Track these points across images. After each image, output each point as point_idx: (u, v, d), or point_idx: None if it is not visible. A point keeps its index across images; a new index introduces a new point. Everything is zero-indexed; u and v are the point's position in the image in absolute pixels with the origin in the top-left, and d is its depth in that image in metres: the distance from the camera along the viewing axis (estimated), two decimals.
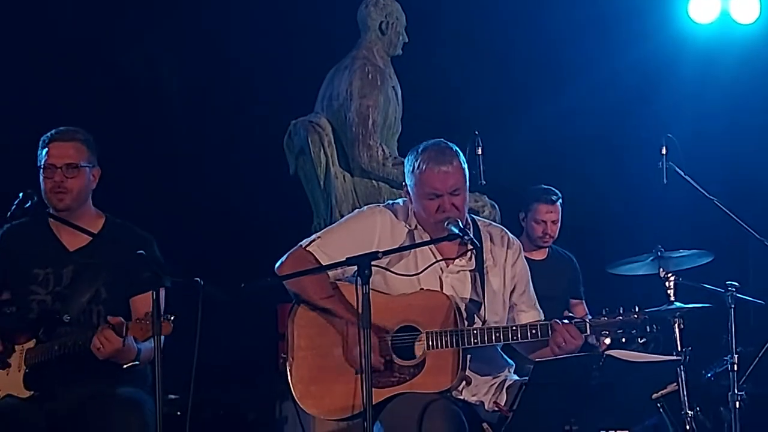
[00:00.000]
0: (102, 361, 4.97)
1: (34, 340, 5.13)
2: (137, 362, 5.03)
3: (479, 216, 6.01)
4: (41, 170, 5.22)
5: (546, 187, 7.40)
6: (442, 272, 5.11)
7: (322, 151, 7.91)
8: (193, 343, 4.80)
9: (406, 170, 5.16)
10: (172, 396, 6.59)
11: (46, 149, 5.22)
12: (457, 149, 5.14)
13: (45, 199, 5.22)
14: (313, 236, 5.22)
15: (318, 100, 8.10)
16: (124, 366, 5.00)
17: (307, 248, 5.13)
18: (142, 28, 8.70)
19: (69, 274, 5.23)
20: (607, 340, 5.43)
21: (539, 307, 5.28)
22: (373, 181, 7.98)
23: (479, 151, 7.18)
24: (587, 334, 5.00)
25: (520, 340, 4.99)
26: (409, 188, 5.14)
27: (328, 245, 5.11)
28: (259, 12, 8.79)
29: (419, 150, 5.11)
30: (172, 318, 4.86)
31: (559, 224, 7.35)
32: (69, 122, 5.39)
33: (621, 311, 4.98)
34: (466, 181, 5.11)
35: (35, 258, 5.25)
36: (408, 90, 8.23)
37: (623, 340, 5.31)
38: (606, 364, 4.61)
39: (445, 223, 4.98)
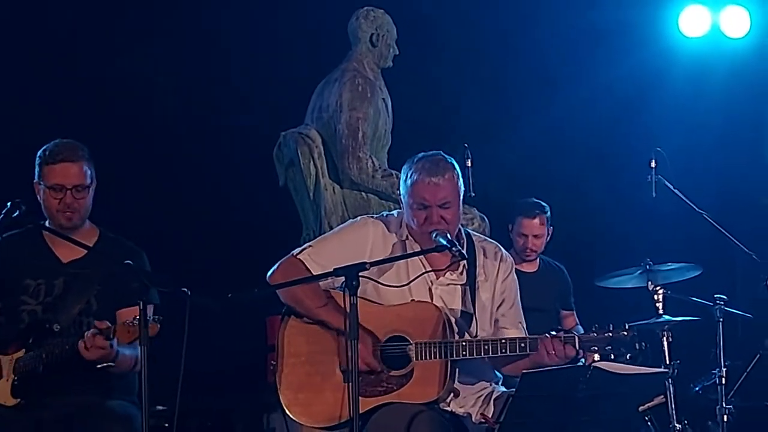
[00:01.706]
0: (90, 370, 4.97)
1: (24, 349, 5.12)
2: (113, 363, 5.02)
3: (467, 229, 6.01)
4: (46, 189, 5.22)
5: (533, 201, 7.40)
6: (432, 284, 5.12)
7: (311, 162, 7.92)
8: (181, 353, 4.79)
9: (400, 179, 5.18)
10: (160, 407, 6.57)
11: (53, 168, 5.21)
12: (454, 162, 5.14)
13: (47, 215, 5.26)
14: (306, 245, 5.23)
15: (308, 111, 8.11)
16: (98, 366, 4.98)
17: (298, 256, 5.14)
18: (131, 39, 8.69)
19: (60, 285, 5.25)
20: (596, 356, 5.44)
21: (523, 326, 5.26)
22: (363, 193, 7.99)
23: (468, 164, 7.18)
24: (577, 349, 5.00)
25: (508, 353, 4.98)
26: (401, 197, 5.16)
27: (320, 254, 5.12)
28: (250, 24, 8.80)
29: (414, 160, 5.13)
30: (159, 318, 4.86)
31: (543, 238, 7.33)
32: (55, 126, 5.40)
33: (611, 328, 4.98)
34: (458, 196, 5.12)
35: (28, 269, 5.27)
36: (398, 102, 8.24)
37: (612, 356, 5.32)
38: (593, 376, 4.62)
39: (433, 235, 4.98)
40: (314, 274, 5.03)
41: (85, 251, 5.19)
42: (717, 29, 9.15)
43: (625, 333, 4.96)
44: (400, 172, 5.20)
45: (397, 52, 8.18)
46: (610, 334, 4.96)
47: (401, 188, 5.15)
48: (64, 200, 5.20)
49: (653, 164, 7.38)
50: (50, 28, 8.45)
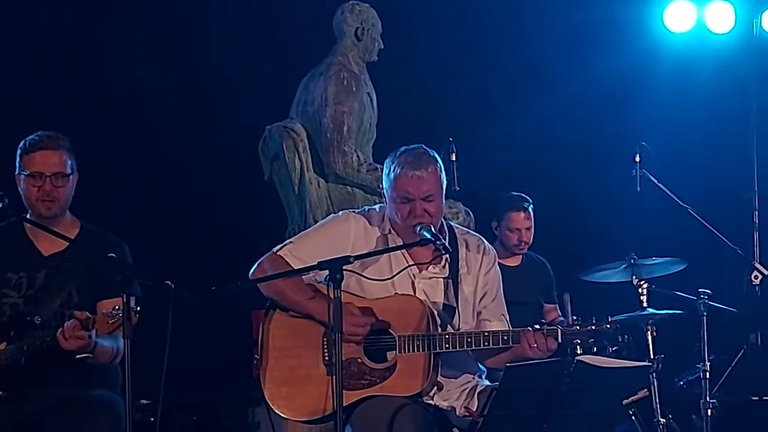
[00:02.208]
0: (72, 362, 4.97)
1: (5, 342, 5.11)
2: (91, 355, 5.01)
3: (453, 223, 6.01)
4: (26, 177, 5.23)
5: (516, 194, 7.40)
6: (415, 277, 5.12)
7: (296, 156, 7.90)
8: (165, 347, 4.78)
9: (383, 173, 5.18)
10: (145, 401, 6.57)
11: (33, 156, 5.22)
12: (436, 156, 5.14)
13: (27, 206, 5.27)
14: (287, 241, 5.22)
15: (293, 105, 8.10)
16: (76, 357, 4.98)
17: (278, 253, 5.13)
18: (119, 32, 8.67)
19: (42, 278, 5.24)
20: (579, 350, 5.44)
21: (506, 319, 5.25)
22: (348, 187, 7.98)
23: (453, 158, 7.19)
24: (559, 342, 5.01)
25: (491, 345, 4.98)
26: (384, 191, 5.16)
27: (301, 250, 5.11)
28: (236, 18, 8.78)
29: (397, 153, 5.12)
30: (137, 309, 4.85)
31: (532, 230, 7.35)
32: (40, 123, 5.40)
33: (594, 320, 4.98)
34: (441, 188, 5.11)
35: (9, 262, 5.26)
36: (383, 96, 8.23)
37: (594, 349, 5.33)
38: (577, 369, 4.63)
39: (418, 229, 4.98)
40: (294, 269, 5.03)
41: (67, 244, 5.21)
42: (702, 24, 9.15)
43: (608, 326, 4.95)
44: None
45: (382, 47, 8.17)
46: (593, 327, 4.96)
47: (384, 182, 5.14)
48: (43, 188, 5.20)
49: (638, 159, 7.40)
50: (38, 24, 8.42)
